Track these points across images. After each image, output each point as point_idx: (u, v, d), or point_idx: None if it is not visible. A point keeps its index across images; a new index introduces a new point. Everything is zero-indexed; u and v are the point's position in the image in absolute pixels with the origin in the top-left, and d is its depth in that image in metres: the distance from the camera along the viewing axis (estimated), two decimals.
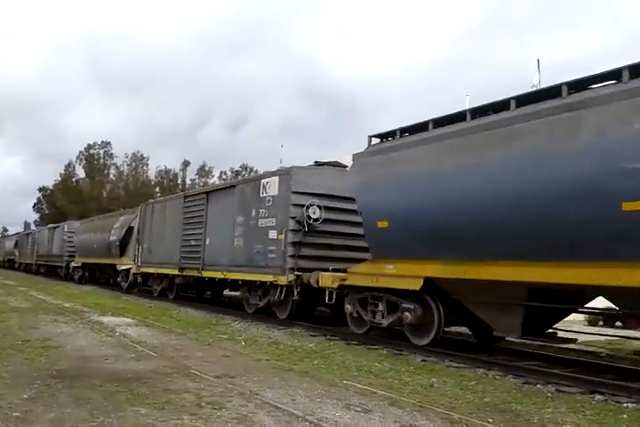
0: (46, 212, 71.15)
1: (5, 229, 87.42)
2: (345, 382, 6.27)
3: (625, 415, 5.30)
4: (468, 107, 8.07)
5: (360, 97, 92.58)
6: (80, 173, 67.82)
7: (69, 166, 67.85)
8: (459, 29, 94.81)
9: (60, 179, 68.55)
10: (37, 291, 20.72)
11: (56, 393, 5.23)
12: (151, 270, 18.58)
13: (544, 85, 7.49)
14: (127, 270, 20.90)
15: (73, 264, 28.62)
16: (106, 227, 23.89)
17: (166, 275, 17.55)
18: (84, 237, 27.07)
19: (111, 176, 68.19)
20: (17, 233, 56.96)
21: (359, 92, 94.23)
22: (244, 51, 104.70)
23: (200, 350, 8.24)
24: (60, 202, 65.53)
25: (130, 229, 21.37)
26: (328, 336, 10.22)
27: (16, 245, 47.06)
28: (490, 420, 4.94)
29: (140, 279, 19.81)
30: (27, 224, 66.12)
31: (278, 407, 5.01)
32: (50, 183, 71.32)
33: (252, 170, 65.52)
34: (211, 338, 9.50)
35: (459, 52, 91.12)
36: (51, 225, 37.05)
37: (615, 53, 66.44)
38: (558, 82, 6.77)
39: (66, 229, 30.77)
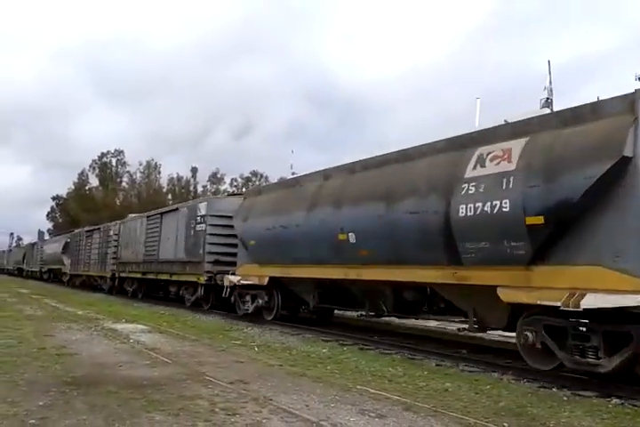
0: (60, 220, 71.83)
1: (20, 238, 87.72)
2: (359, 387, 6.25)
3: None
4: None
5: (367, 100, 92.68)
6: (93, 181, 68.59)
7: (82, 175, 68.65)
8: (466, 29, 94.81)
9: (73, 187, 69.36)
10: (51, 299, 20.88)
11: (71, 400, 5.26)
12: None
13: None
14: None
15: (233, 279, 13.58)
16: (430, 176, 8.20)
17: None
18: (273, 220, 11.78)
19: (124, 184, 68.89)
20: (63, 233, 39.59)
21: (366, 95, 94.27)
22: (248, 56, 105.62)
23: (214, 356, 8.26)
24: (73, 210, 66.13)
25: None
26: (341, 341, 10.20)
27: (65, 248, 31.89)
28: (505, 424, 4.91)
29: None
30: (40, 233, 66.70)
31: (292, 413, 5.00)
32: (62, 192, 72.22)
33: (262, 176, 65.87)
34: (224, 344, 9.51)
35: (467, 52, 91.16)
36: (141, 214, 22.63)
37: (630, 47, 65.89)
38: None
39: (201, 212, 15.78)
